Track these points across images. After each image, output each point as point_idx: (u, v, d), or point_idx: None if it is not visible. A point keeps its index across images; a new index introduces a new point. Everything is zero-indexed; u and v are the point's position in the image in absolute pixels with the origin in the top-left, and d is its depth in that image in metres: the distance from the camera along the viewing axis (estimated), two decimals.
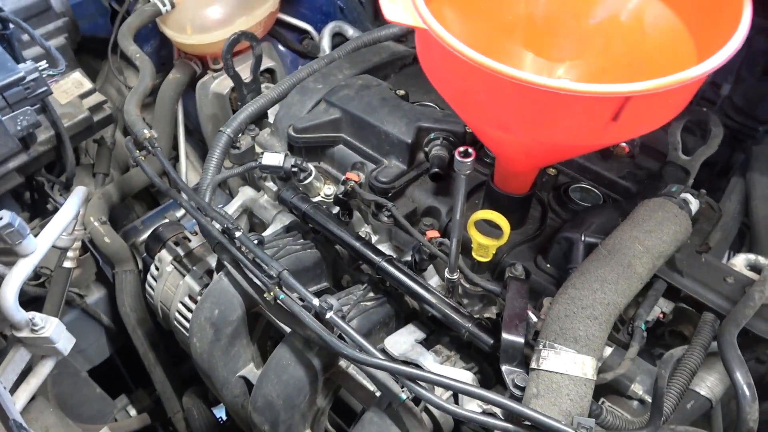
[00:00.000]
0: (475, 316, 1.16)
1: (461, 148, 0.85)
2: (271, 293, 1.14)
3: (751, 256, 1.27)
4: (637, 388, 1.20)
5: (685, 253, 1.22)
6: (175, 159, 2.15)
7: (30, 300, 1.74)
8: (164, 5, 1.76)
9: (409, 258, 1.27)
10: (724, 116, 1.85)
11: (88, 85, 1.76)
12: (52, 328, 1.25)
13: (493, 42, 1.04)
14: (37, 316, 1.26)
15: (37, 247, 1.32)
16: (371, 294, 1.29)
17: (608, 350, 1.25)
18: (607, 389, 1.23)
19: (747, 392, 0.90)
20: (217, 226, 1.26)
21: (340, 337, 1.07)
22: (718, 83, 1.78)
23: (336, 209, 1.42)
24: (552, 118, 0.75)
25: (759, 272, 1.16)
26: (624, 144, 1.29)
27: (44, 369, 1.40)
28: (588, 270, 0.96)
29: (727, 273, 1.19)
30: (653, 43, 0.96)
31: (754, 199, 1.43)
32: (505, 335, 1.00)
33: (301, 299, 1.13)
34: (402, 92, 1.50)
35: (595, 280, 0.94)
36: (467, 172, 0.88)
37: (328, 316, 1.06)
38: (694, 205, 1.07)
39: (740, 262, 1.26)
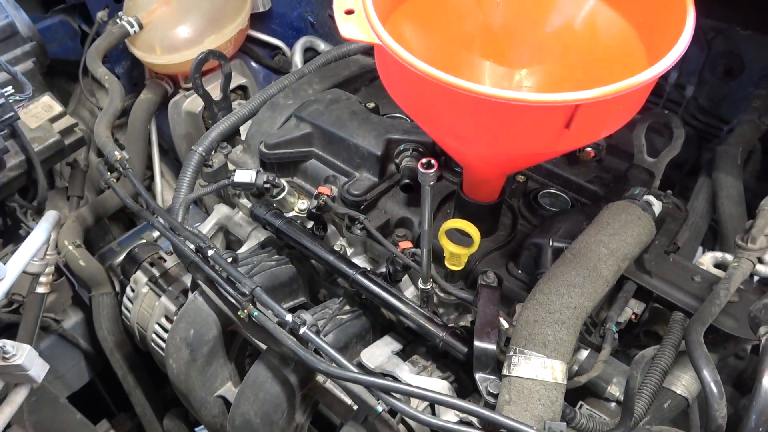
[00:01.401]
0: (450, 325, 1.16)
1: (424, 160, 0.86)
2: (245, 311, 1.14)
3: (718, 254, 1.29)
4: (614, 390, 1.21)
5: (654, 253, 1.24)
6: (151, 179, 2.14)
7: (4, 327, 1.72)
8: (132, 26, 1.77)
9: (383, 269, 1.28)
10: (690, 117, 1.89)
11: (58, 108, 1.75)
12: (24, 355, 1.23)
13: (452, 54, 1.05)
14: (8, 344, 1.24)
15: (6, 273, 1.31)
16: (347, 307, 1.30)
17: (584, 353, 1.27)
18: (585, 392, 1.24)
19: (714, 389, 0.91)
20: (191, 245, 1.25)
21: (316, 351, 1.07)
22: (683, 85, 1.82)
23: (310, 224, 1.43)
24: (507, 127, 0.77)
25: (726, 270, 1.18)
26: (589, 149, 1.31)
27: (18, 397, 1.37)
28: (555, 275, 0.97)
29: (695, 272, 1.21)
30: (607, 49, 0.98)
31: (720, 198, 1.46)
32: (477, 343, 1.00)
33: (276, 315, 1.13)
34: (372, 105, 1.51)
35: (561, 284, 0.95)
36: (431, 183, 0.89)
37: (301, 331, 1.06)
38: (657, 206, 1.09)
39: (707, 260, 1.29)
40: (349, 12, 0.85)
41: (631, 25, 0.94)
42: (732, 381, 1.29)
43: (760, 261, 1.22)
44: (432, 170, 0.86)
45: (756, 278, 1.25)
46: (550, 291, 0.95)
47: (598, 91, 0.69)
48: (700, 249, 1.53)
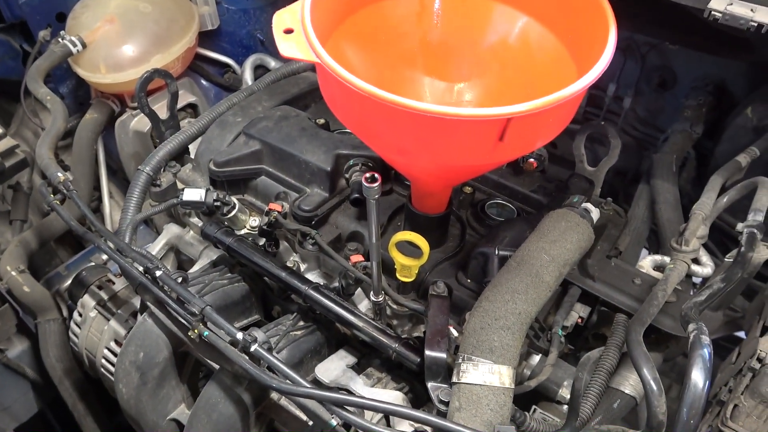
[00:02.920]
0: (403, 336, 1.18)
1: (367, 174, 0.88)
2: (196, 330, 1.12)
3: (657, 258, 1.35)
4: (565, 393, 1.25)
5: (596, 258, 1.29)
6: (99, 200, 2.09)
7: None
8: (75, 46, 1.73)
9: (337, 284, 1.29)
10: (629, 127, 1.98)
11: None
12: None
13: (394, 70, 1.08)
14: None
15: None
16: (301, 323, 1.30)
17: (536, 358, 1.30)
18: (538, 396, 1.27)
19: (654, 386, 0.94)
20: (139, 267, 1.23)
21: (269, 369, 1.07)
22: (621, 96, 1.91)
23: (262, 241, 1.42)
24: (444, 141, 0.79)
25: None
26: (532, 159, 1.36)
27: None
28: (500, 282, 1.00)
29: (635, 275, 1.26)
30: (541, 64, 1.02)
31: (659, 203, 1.53)
32: (428, 352, 1.02)
33: (228, 334, 1.12)
34: (322, 121, 1.53)
35: (506, 291, 0.98)
36: (376, 197, 0.90)
37: (252, 348, 1.05)
38: (595, 213, 1.14)
39: (647, 263, 1.34)
40: (288, 31, 0.86)
41: (561, 42, 0.99)
42: (682, 379, 1.33)
43: (697, 262, 1.29)
44: (375, 184, 0.88)
45: (699, 279, 1.31)
46: (495, 298, 0.98)
47: (527, 105, 0.72)
48: (645, 252, 1.59)
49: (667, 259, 1.30)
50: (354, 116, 0.88)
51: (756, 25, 0.92)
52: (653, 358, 1.16)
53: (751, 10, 0.91)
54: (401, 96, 0.74)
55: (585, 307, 1.25)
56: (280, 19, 0.87)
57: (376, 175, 0.87)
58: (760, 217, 1.14)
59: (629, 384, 1.17)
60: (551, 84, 0.97)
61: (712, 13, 0.93)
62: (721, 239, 1.72)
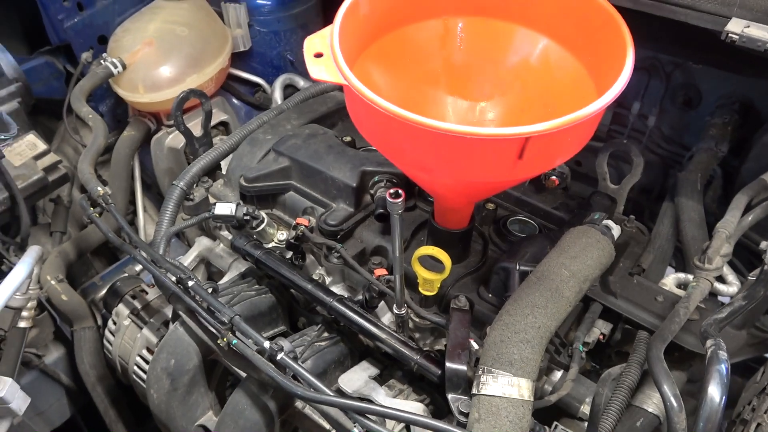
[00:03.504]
0: (425, 349, 1.20)
1: (392, 190, 0.91)
2: (225, 339, 1.17)
3: (681, 275, 1.35)
4: (587, 409, 1.25)
5: (618, 275, 1.29)
6: (134, 213, 2.17)
7: None
8: (116, 67, 1.83)
9: (360, 297, 1.32)
10: (654, 145, 1.98)
11: (42, 146, 1.79)
12: (5, 388, 1.25)
13: (418, 91, 1.12)
14: None
15: None
16: (325, 334, 1.33)
17: (557, 374, 1.31)
18: (560, 412, 1.27)
19: (674, 403, 0.95)
20: (172, 277, 1.28)
21: (294, 377, 1.10)
22: (645, 115, 1.92)
23: (289, 254, 1.47)
24: (465, 159, 0.82)
25: None
26: (554, 177, 1.38)
27: None
28: (520, 297, 1.02)
29: (658, 292, 1.26)
30: (561, 84, 1.05)
31: (683, 222, 1.53)
32: (448, 364, 1.04)
33: (255, 343, 1.16)
34: (348, 139, 1.58)
35: (526, 305, 1.00)
36: (399, 212, 0.94)
37: (279, 357, 1.09)
38: (616, 230, 1.15)
39: (670, 281, 1.35)
40: (318, 55, 0.91)
41: (581, 63, 1.01)
42: None
43: (722, 281, 1.29)
44: (399, 200, 0.91)
45: (726, 298, 1.31)
46: (516, 312, 1.00)
47: (545, 125, 0.75)
48: (671, 270, 1.58)
49: (690, 277, 1.30)
50: (378, 134, 0.92)
51: None
52: (678, 377, 1.17)
53: None
54: (425, 115, 0.78)
55: (607, 324, 1.25)
56: (311, 44, 0.92)
57: (400, 191, 0.91)
58: None
59: (653, 402, 1.17)
60: (571, 103, 1.00)
61: (730, 35, 0.95)
62: (749, 258, 1.71)
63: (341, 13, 0.95)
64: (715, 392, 0.81)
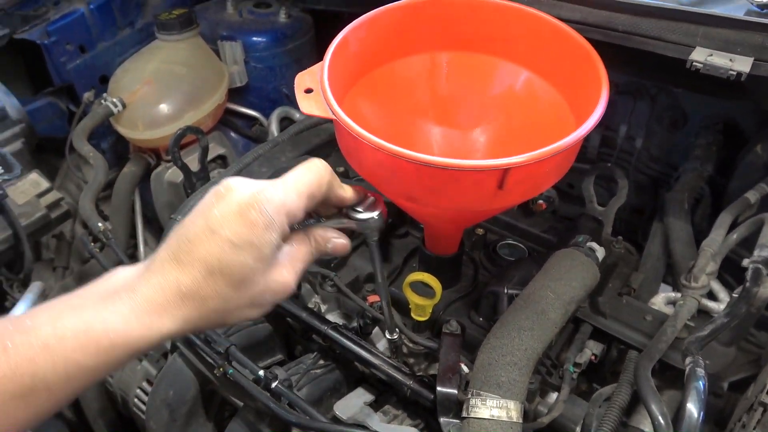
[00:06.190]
0: (419, 374, 1.22)
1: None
2: (221, 368, 1.19)
3: (671, 294, 1.38)
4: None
5: (608, 296, 1.32)
6: (135, 247, 2.21)
7: None
8: (116, 106, 1.88)
9: (356, 324, 1.34)
10: (643, 166, 2.02)
11: (45, 184, 1.83)
12: None
13: (407, 121, 1.17)
14: None
15: None
16: (321, 362, 1.35)
17: (553, 396, 1.32)
18: None
19: (662, 421, 0.96)
20: None
21: (290, 405, 1.12)
22: (633, 137, 1.96)
23: None
24: (447, 189, 0.86)
25: None
26: (540, 201, 1.41)
27: None
28: (507, 320, 1.05)
29: (647, 312, 1.29)
30: (543, 113, 1.09)
31: (672, 241, 1.55)
32: (439, 388, 1.06)
33: (251, 372, 1.18)
34: (341, 169, 1.61)
35: (513, 328, 1.02)
36: (375, 239, 0.97)
37: (273, 385, 1.11)
38: (600, 252, 1.18)
39: (660, 300, 1.37)
40: (308, 90, 0.96)
41: (561, 95, 1.06)
42: (713, 419, 1.32)
43: (714, 298, 1.31)
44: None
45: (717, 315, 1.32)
46: (503, 335, 1.02)
47: (522, 157, 0.79)
48: (667, 287, 1.59)
49: (679, 295, 1.33)
50: (365, 166, 0.95)
51: (735, 73, 0.98)
52: (672, 396, 1.18)
53: (730, 60, 0.97)
54: (413, 144, 0.82)
55: (597, 344, 1.27)
56: (302, 80, 0.97)
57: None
58: (766, 253, 1.16)
59: (649, 423, 1.18)
60: (553, 132, 1.05)
61: (694, 63, 0.99)
62: (742, 276, 1.72)
63: (331, 50, 1.00)
64: (693, 408, 0.82)
